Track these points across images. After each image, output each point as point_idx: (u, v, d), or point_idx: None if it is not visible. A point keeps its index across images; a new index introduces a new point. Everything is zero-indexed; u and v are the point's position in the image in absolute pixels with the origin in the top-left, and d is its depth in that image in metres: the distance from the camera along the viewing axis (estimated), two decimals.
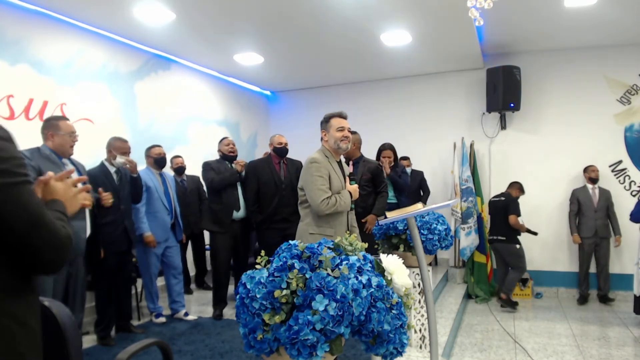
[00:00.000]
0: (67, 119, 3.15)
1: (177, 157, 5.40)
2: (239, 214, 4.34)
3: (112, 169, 3.63)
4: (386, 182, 4.24)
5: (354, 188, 2.90)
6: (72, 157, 3.16)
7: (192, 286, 5.72)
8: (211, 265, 4.53)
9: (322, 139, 2.93)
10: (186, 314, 4.26)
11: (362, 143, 4.25)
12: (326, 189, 2.72)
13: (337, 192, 2.78)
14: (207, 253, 5.58)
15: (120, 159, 3.60)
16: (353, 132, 3.31)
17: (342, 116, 2.90)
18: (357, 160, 4.07)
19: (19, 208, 0.89)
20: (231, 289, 4.70)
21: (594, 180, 5.61)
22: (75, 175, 3.05)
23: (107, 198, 3.28)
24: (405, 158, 5.99)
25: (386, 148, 4.72)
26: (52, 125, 3.00)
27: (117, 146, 3.67)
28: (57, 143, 2.98)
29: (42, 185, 1.15)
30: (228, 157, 4.40)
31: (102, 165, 3.63)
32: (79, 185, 1.24)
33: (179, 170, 5.33)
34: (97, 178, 3.46)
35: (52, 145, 2.98)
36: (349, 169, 2.98)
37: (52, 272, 0.98)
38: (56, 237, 0.95)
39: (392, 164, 4.67)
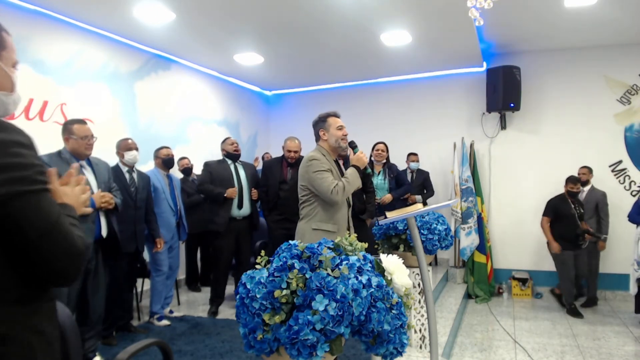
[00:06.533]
0: (83, 122, 3.15)
1: (183, 159, 5.46)
2: (242, 212, 4.42)
3: (125, 169, 3.77)
4: (372, 182, 4.43)
5: (358, 157, 2.82)
6: (94, 156, 3.25)
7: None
8: (212, 263, 4.59)
9: (319, 138, 2.87)
10: (171, 312, 4.35)
11: None
12: (332, 180, 2.69)
13: None
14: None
15: (127, 159, 3.78)
16: None
17: (337, 115, 2.88)
18: (347, 159, 4.07)
19: (36, 216, 0.88)
20: (231, 289, 4.71)
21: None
22: (90, 177, 3.08)
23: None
24: (414, 154, 6.07)
25: (379, 143, 5.35)
26: (67, 129, 3.08)
27: (123, 145, 3.82)
28: (72, 146, 3.07)
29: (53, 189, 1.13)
30: (232, 155, 4.50)
31: (116, 166, 3.75)
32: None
33: (186, 171, 5.37)
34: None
35: (69, 148, 3.08)
36: (348, 151, 2.92)
37: (66, 282, 0.94)
38: (71, 246, 0.93)
39: (385, 160, 5.22)
